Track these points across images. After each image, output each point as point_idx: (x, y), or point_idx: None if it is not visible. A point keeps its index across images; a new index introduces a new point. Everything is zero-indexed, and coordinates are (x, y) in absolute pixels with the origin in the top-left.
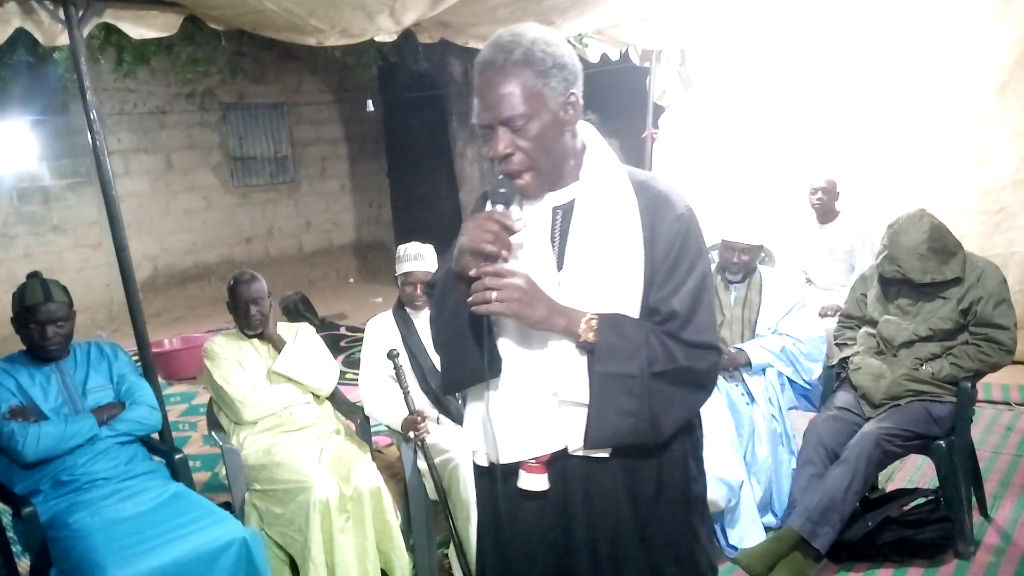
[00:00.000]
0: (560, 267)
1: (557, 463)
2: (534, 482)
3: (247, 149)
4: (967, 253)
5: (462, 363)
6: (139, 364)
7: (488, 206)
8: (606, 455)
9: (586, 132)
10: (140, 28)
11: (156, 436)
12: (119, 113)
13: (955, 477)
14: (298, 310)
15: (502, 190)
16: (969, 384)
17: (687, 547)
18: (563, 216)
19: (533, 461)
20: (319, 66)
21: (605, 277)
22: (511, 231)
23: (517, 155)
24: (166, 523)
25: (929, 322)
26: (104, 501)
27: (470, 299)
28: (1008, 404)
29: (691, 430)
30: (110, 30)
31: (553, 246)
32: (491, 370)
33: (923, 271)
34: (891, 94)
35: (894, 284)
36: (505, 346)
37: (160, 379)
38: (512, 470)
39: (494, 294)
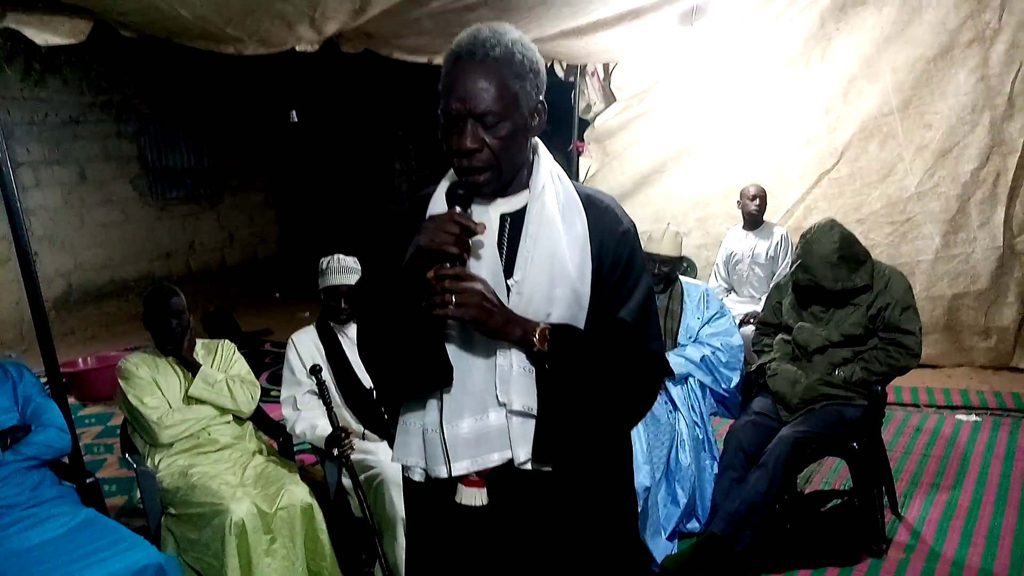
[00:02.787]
0: (509, 274)
1: (497, 476)
2: (474, 496)
3: (167, 160)
4: (875, 261)
5: (409, 373)
6: (48, 385)
7: (435, 207)
8: (549, 468)
9: (537, 145)
10: (46, 34)
11: (66, 460)
12: (29, 123)
13: (868, 478)
14: (220, 326)
15: (460, 191)
16: (879, 388)
17: (626, 552)
18: (512, 224)
19: (473, 475)
20: (241, 76)
21: (555, 285)
22: (472, 232)
23: (484, 152)
24: (76, 550)
25: (841, 328)
26: (9, 530)
27: (426, 303)
28: (917, 406)
29: (628, 445)
30: (17, 37)
31: (501, 253)
32: (443, 379)
33: (834, 279)
34: (803, 110)
35: (807, 292)
36: (452, 353)
37: (74, 400)
38: (449, 485)
39: (454, 298)
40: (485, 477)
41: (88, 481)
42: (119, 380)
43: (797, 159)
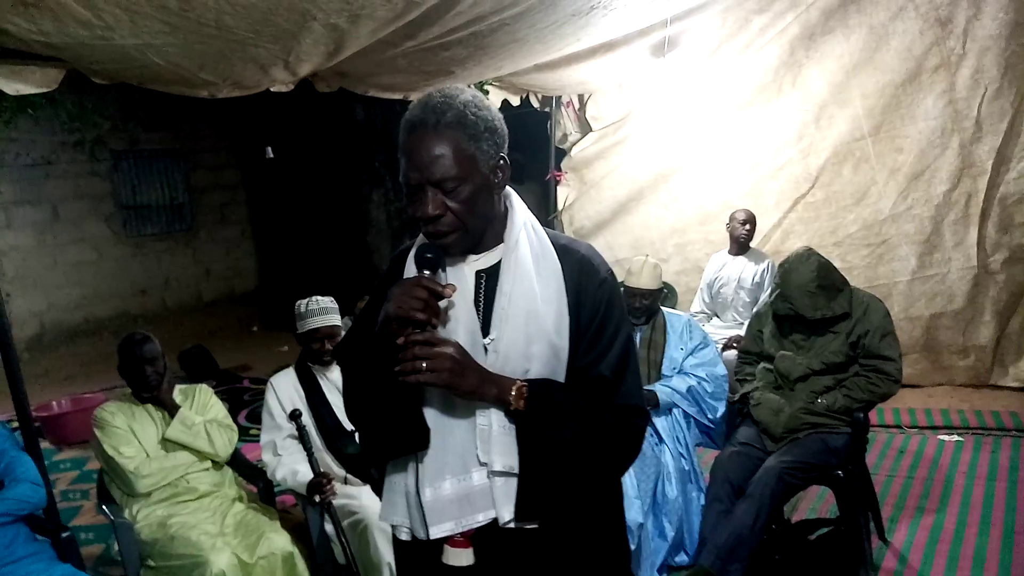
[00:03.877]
0: (486, 332)
1: (483, 536)
2: (460, 557)
3: (141, 197)
4: (853, 288)
5: (387, 435)
6: (20, 430)
7: (409, 270)
8: (535, 525)
9: (509, 196)
10: (16, 84)
11: (40, 513)
12: None
13: (854, 505)
14: (197, 363)
15: (429, 255)
16: (862, 415)
17: None
18: (487, 280)
19: (459, 536)
20: (216, 112)
21: (532, 342)
22: (440, 297)
23: (447, 216)
24: None
25: (821, 356)
26: None
27: (398, 368)
28: (899, 427)
29: (617, 493)
30: None
31: (478, 310)
32: (419, 442)
33: (813, 307)
34: (777, 136)
35: (787, 320)
36: (431, 416)
37: (48, 445)
38: (436, 545)
39: (424, 364)
40: (471, 537)
41: (64, 536)
42: (95, 430)
43: (772, 184)
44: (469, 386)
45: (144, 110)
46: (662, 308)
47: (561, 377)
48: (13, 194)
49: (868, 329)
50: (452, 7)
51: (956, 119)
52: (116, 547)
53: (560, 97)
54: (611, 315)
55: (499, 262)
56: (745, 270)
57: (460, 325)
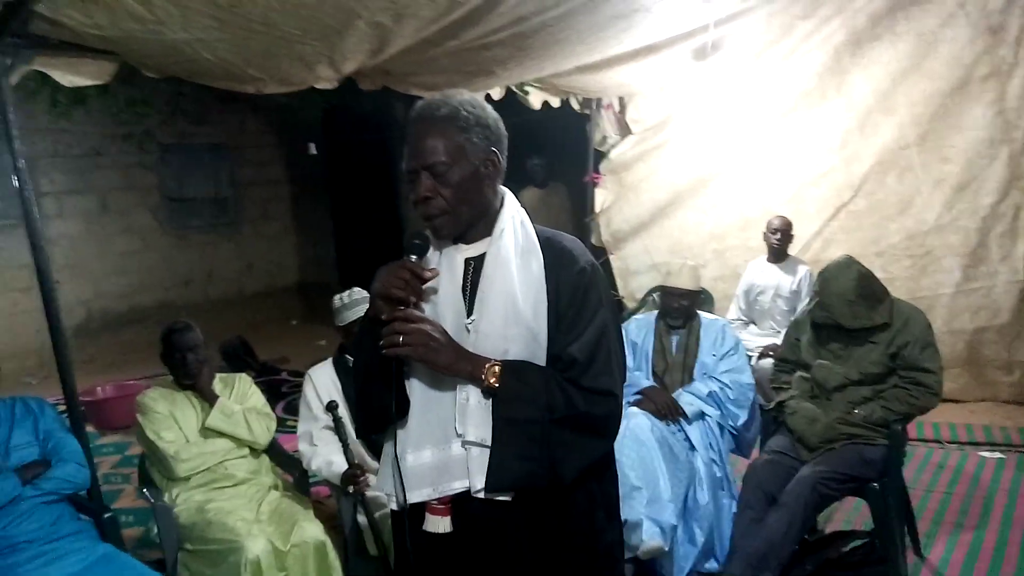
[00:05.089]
0: (469, 314)
1: (462, 506)
2: (438, 524)
3: (186, 190)
4: (894, 299)
5: (372, 405)
6: (66, 413)
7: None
8: (508, 499)
9: (505, 195)
10: (72, 76)
11: (84, 494)
12: (52, 155)
13: (889, 519)
14: (237, 355)
15: (416, 241)
16: (900, 427)
17: None
18: (475, 267)
19: (436, 503)
20: (262, 108)
21: (509, 324)
22: (422, 279)
23: (437, 199)
24: None
25: (860, 366)
26: (28, 565)
27: (381, 342)
28: (939, 442)
29: (600, 480)
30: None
31: (465, 295)
32: (398, 412)
33: (853, 316)
34: (819, 142)
35: (826, 329)
36: (418, 388)
37: (92, 429)
38: (419, 512)
39: (402, 338)
40: (450, 506)
41: (106, 516)
42: (137, 414)
43: (814, 192)
44: (444, 361)
45: (191, 104)
46: (699, 313)
47: (541, 360)
48: (64, 184)
49: (908, 340)
50: (495, 7)
51: (1006, 129)
52: (155, 530)
53: (600, 99)
54: (588, 301)
55: (486, 252)
56: (783, 278)
57: (448, 308)
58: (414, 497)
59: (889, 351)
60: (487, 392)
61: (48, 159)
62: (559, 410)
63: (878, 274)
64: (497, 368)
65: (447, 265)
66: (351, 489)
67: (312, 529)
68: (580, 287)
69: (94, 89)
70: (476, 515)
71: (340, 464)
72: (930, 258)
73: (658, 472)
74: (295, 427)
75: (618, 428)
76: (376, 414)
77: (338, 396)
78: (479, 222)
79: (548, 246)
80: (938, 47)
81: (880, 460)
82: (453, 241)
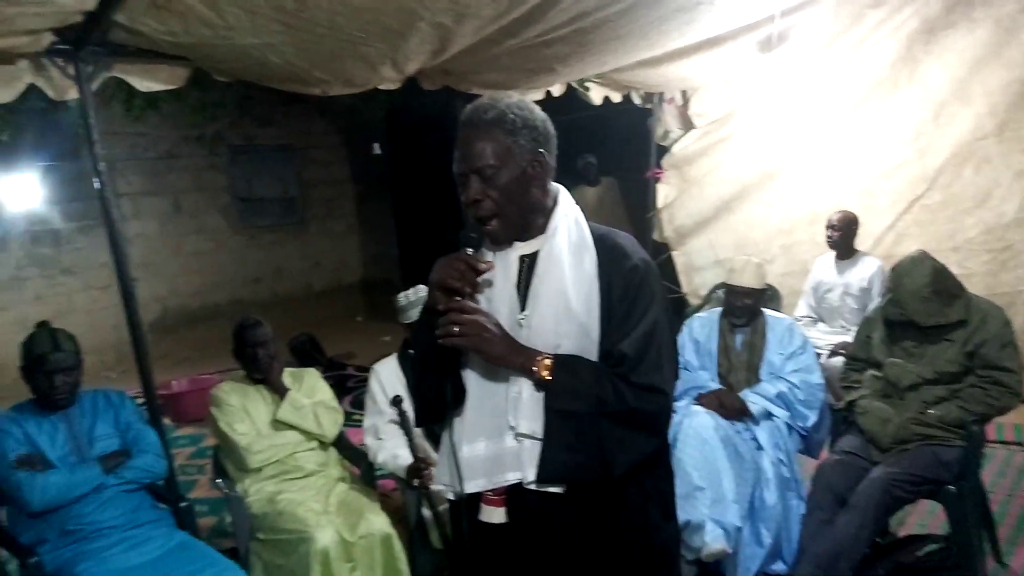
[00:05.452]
0: (523, 309)
1: (516, 497)
2: (492, 514)
3: (255, 190)
4: (971, 295)
5: (430, 395)
6: (145, 406)
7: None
8: (560, 491)
9: (559, 193)
10: (147, 81)
11: (162, 483)
12: (128, 158)
13: (966, 523)
14: (306, 350)
15: (472, 235)
16: (977, 427)
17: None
18: (529, 264)
19: (491, 493)
20: (327, 109)
21: (563, 321)
22: (477, 271)
23: (486, 202)
24: (172, 572)
25: (934, 365)
26: (111, 550)
27: (437, 332)
28: (1021, 444)
29: (653, 477)
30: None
31: (518, 291)
32: (454, 401)
33: (927, 314)
34: (891, 134)
35: (899, 327)
36: (473, 380)
37: (168, 422)
38: (475, 502)
39: (457, 328)
40: (505, 497)
41: (182, 505)
42: (211, 407)
43: (886, 185)
44: (497, 352)
45: (259, 107)
46: (764, 311)
47: (593, 356)
48: (140, 185)
49: (986, 338)
50: (555, 4)
51: None
52: (228, 519)
53: (662, 93)
54: (640, 298)
55: (540, 249)
56: (851, 275)
57: (502, 303)
58: (469, 487)
59: (966, 349)
60: (539, 385)
61: (125, 162)
62: (610, 404)
63: (954, 270)
64: (548, 361)
65: (502, 262)
66: (415, 482)
67: (378, 521)
68: (632, 284)
69: (168, 94)
70: (530, 506)
71: (405, 457)
72: (1010, 253)
73: (722, 472)
74: (361, 421)
75: (668, 425)
76: (432, 403)
77: (403, 390)
78: (533, 221)
79: (601, 243)
80: (1018, 34)
81: (956, 462)
82: (508, 240)
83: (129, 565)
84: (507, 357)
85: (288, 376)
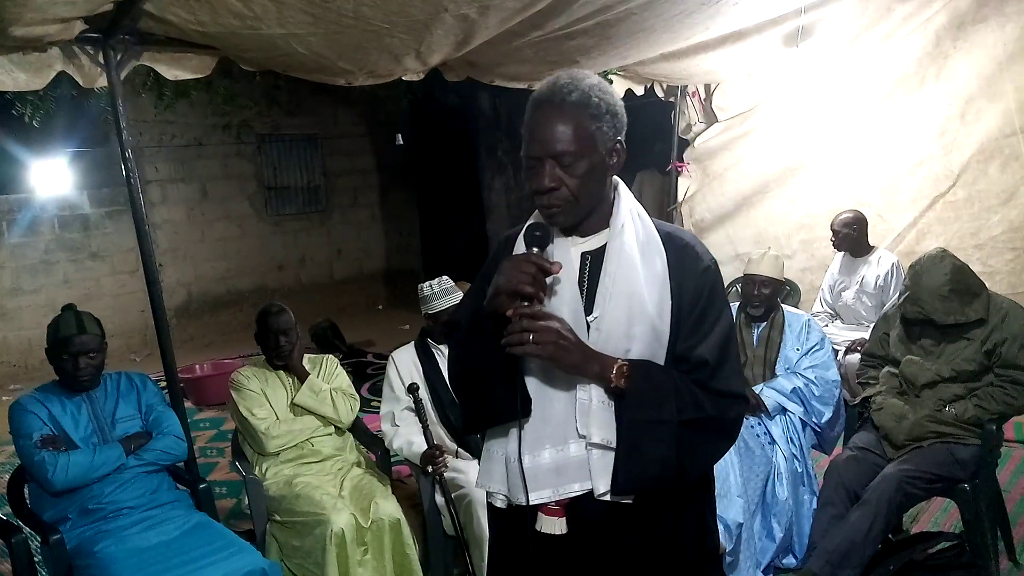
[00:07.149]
0: (589, 311)
1: (576, 507)
2: (554, 525)
3: (281, 179)
4: (991, 294)
5: (490, 403)
6: (167, 389)
7: (519, 247)
8: (629, 501)
9: (617, 183)
10: (175, 70)
11: (181, 465)
12: (157, 145)
13: (980, 522)
14: (327, 337)
15: (537, 233)
16: (994, 427)
17: None
18: (592, 262)
19: (553, 504)
20: (352, 99)
21: (634, 322)
22: (547, 273)
23: (562, 190)
24: (189, 552)
25: (952, 363)
26: (130, 530)
27: (504, 340)
28: None
29: (708, 483)
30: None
31: (582, 290)
32: (522, 411)
33: (946, 312)
34: (916, 130)
35: (917, 324)
36: (533, 387)
37: (190, 405)
38: (530, 513)
39: (531, 336)
40: (565, 507)
41: (201, 487)
42: (231, 391)
43: (909, 181)
44: (572, 361)
45: (286, 97)
46: (782, 306)
47: (661, 360)
48: (168, 172)
49: (1006, 337)
50: None
51: None
52: (246, 501)
53: (686, 87)
54: (713, 301)
55: (604, 245)
56: (867, 272)
57: (564, 303)
58: (535, 499)
59: (985, 348)
60: (611, 393)
61: (153, 149)
62: (688, 412)
63: (977, 268)
64: (625, 368)
65: (562, 259)
66: (430, 469)
67: (388, 507)
68: (706, 286)
69: (196, 83)
70: (591, 516)
71: (420, 444)
72: None
73: (728, 466)
74: (379, 407)
75: (740, 429)
76: (492, 413)
77: (419, 378)
78: (594, 214)
79: (670, 242)
80: None
81: (971, 460)
82: (566, 233)
83: (148, 544)
84: (583, 366)
85: (308, 362)
